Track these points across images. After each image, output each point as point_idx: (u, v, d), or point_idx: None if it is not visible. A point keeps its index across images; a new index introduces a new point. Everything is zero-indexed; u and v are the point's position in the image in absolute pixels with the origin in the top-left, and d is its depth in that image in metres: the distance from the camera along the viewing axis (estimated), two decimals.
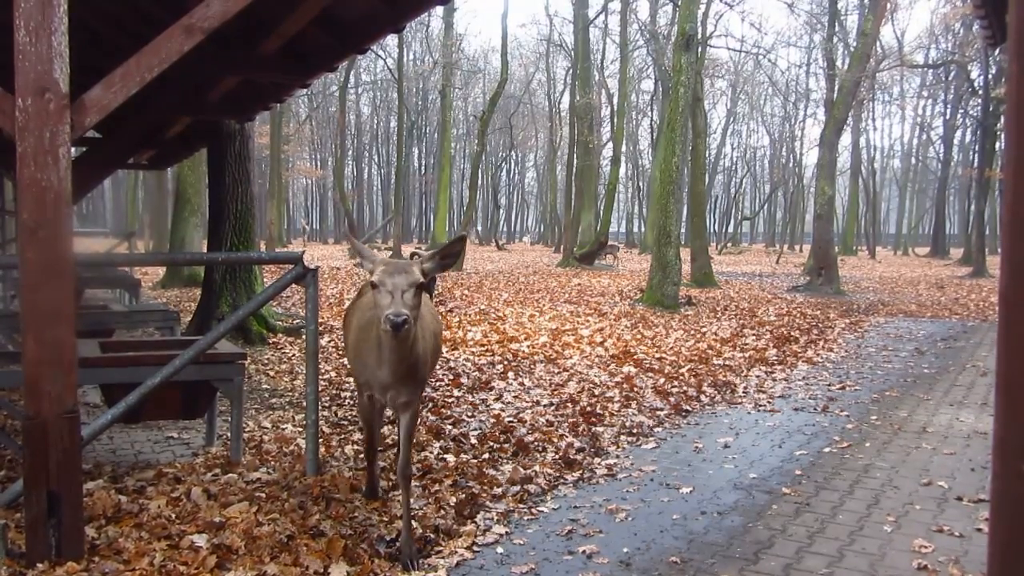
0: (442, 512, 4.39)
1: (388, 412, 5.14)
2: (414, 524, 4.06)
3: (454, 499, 4.57)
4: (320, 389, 6.88)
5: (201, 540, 3.81)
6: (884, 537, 4.23)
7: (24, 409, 3.55)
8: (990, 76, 32.87)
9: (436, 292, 16.78)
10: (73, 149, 5.65)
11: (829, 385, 8.44)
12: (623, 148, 42.64)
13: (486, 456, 5.53)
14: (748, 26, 63.76)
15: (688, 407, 7.26)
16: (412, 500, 3.89)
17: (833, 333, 12.63)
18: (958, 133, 51.42)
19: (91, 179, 9.87)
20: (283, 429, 6.21)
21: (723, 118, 65.84)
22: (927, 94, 53.36)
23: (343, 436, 6.00)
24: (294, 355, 9.54)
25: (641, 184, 59.39)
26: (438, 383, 7.97)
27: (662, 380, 8.35)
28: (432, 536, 4.09)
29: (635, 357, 9.74)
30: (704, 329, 12.60)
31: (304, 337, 5.35)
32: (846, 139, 40.45)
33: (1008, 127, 2.00)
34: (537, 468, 5.25)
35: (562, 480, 5.11)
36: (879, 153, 64.87)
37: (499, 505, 4.58)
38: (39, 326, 3.48)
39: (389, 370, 3.77)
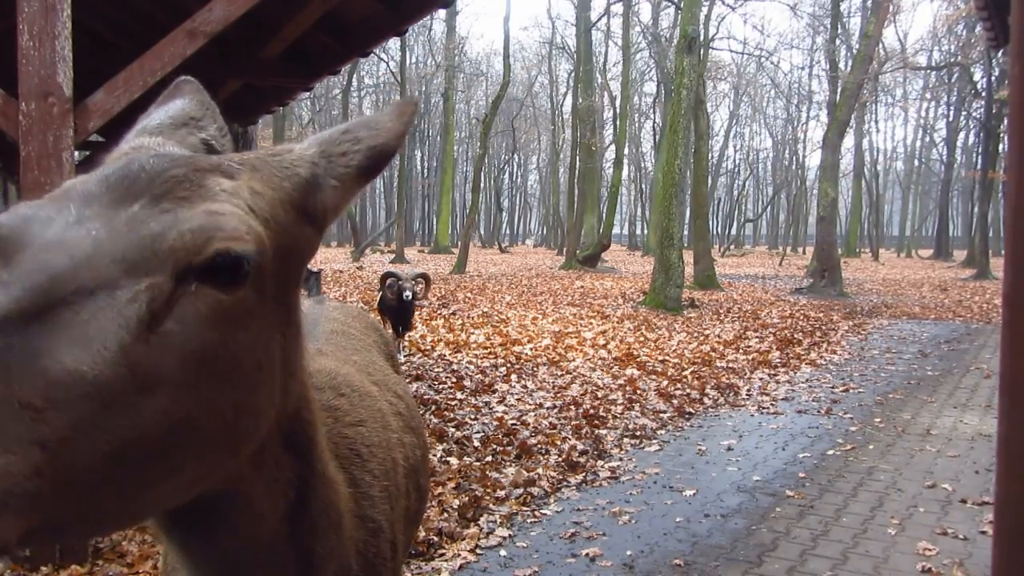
0: (445, 515, 4.39)
1: None
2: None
3: (457, 502, 4.57)
4: None
5: None
6: (888, 540, 4.22)
7: None
8: (993, 78, 32.86)
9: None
10: (76, 153, 5.68)
11: (832, 387, 8.42)
12: (625, 150, 42.63)
13: (489, 459, 5.53)
14: (750, 28, 64.10)
15: (691, 409, 7.25)
16: None
17: (836, 335, 12.61)
18: (961, 135, 51.36)
19: None
20: None
21: (726, 120, 65.87)
22: (930, 96, 53.32)
23: None
24: None
25: (644, 186, 59.38)
26: (441, 386, 7.97)
27: (665, 383, 8.34)
28: (435, 539, 4.09)
29: (638, 360, 9.73)
30: (707, 331, 12.58)
31: None
32: (849, 141, 40.40)
33: (1011, 129, 2.00)
34: (540, 471, 5.25)
35: (565, 483, 5.10)
36: (882, 155, 64.90)
37: (502, 508, 4.58)
38: None
39: None
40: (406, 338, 10.28)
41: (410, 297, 9.19)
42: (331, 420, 1.38)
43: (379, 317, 9.78)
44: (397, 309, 9.36)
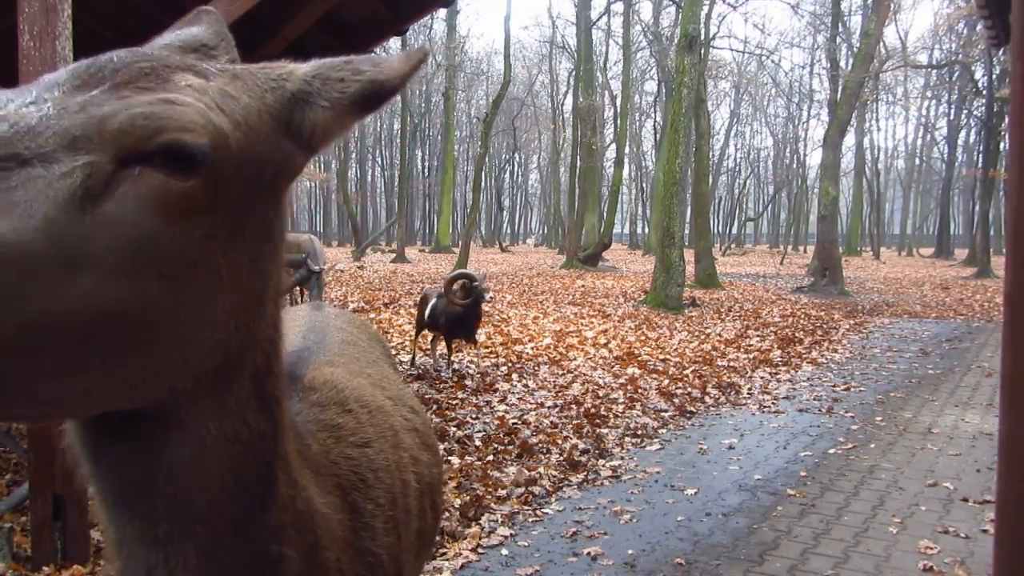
0: (447, 514, 4.39)
1: None
2: None
3: (459, 501, 4.57)
4: None
5: None
6: (889, 538, 4.22)
7: None
8: (994, 76, 32.84)
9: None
10: None
11: (834, 386, 8.42)
12: (626, 150, 42.66)
13: (490, 458, 5.53)
14: (751, 27, 64.08)
15: (692, 408, 7.25)
16: None
17: (837, 334, 12.60)
18: (962, 133, 51.36)
19: None
20: None
21: (727, 119, 65.89)
22: (931, 94, 53.34)
23: None
24: None
25: (645, 185, 59.38)
26: (442, 385, 7.97)
27: (666, 382, 8.34)
28: (437, 539, 4.09)
29: (639, 359, 9.73)
30: (708, 330, 12.58)
31: None
32: (850, 140, 40.39)
33: (1012, 127, 2.00)
34: (541, 470, 5.25)
35: (566, 482, 5.10)
36: (883, 154, 64.93)
37: (504, 507, 4.58)
38: None
39: None
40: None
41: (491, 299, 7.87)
42: (332, 440, 1.25)
43: (415, 331, 8.96)
44: (463, 316, 8.20)
